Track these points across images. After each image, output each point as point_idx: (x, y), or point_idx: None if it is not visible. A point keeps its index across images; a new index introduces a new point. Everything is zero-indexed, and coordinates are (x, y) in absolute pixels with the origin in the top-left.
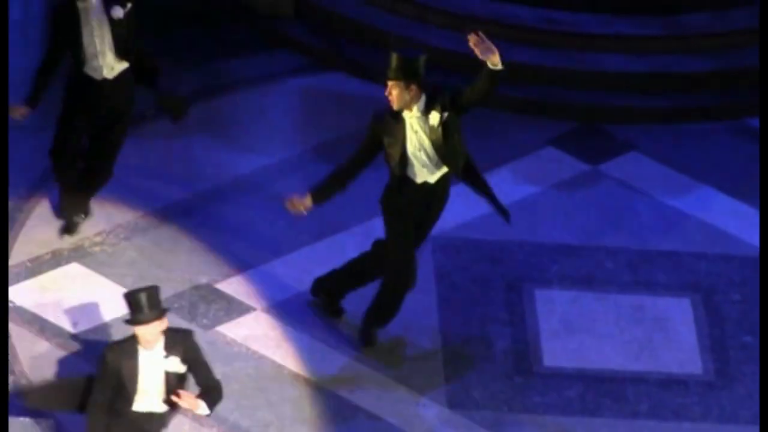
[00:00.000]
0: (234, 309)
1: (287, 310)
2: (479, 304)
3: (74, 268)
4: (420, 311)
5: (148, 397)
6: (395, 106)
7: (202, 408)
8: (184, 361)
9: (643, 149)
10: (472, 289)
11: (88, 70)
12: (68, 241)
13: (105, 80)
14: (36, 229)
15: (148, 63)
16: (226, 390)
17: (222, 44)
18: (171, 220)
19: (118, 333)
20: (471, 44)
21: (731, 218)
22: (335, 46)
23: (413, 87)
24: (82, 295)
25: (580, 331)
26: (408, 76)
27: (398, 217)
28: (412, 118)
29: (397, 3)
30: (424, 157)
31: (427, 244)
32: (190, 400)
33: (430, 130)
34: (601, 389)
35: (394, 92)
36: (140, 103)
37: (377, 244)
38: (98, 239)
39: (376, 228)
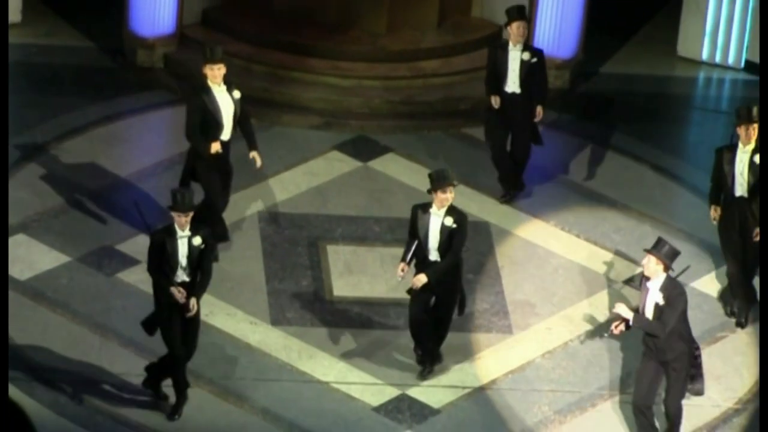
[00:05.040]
0: (127, 262)
1: None
2: (290, 256)
3: (20, 237)
4: (250, 263)
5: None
6: None
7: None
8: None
9: (397, 151)
10: (285, 246)
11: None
12: (14, 218)
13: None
14: None
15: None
16: (126, 310)
17: (114, 86)
18: (86, 203)
19: (54, 280)
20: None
21: (459, 197)
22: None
23: None
24: (25, 256)
25: (358, 272)
26: None
27: None
28: None
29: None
30: None
31: (254, 217)
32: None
33: None
34: (372, 311)
35: None
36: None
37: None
38: (36, 217)
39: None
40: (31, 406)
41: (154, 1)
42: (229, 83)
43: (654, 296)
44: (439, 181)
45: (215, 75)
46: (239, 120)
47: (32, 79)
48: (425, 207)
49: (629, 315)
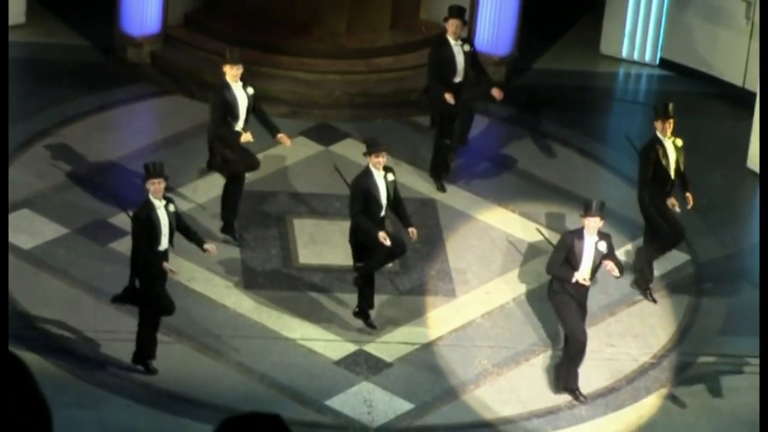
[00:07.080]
0: (118, 233)
1: None
2: (261, 228)
3: (24, 212)
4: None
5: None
6: None
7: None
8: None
9: (355, 137)
10: (257, 219)
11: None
12: (19, 195)
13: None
14: None
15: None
16: (117, 276)
17: (106, 79)
18: (82, 182)
19: (54, 249)
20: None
21: (408, 176)
22: (175, 81)
23: None
24: (29, 228)
25: (321, 243)
26: None
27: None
28: None
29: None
30: None
31: None
32: None
33: None
34: (334, 276)
35: None
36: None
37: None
38: (38, 194)
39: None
40: (33, 360)
41: (141, 4)
42: (244, 81)
43: (593, 246)
44: (375, 146)
45: (234, 74)
46: (256, 112)
47: (35, 73)
48: (367, 173)
49: (587, 281)
